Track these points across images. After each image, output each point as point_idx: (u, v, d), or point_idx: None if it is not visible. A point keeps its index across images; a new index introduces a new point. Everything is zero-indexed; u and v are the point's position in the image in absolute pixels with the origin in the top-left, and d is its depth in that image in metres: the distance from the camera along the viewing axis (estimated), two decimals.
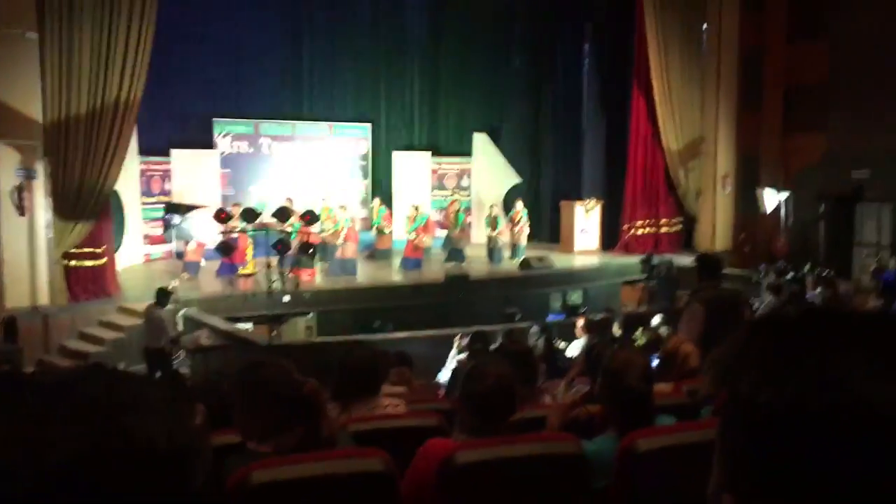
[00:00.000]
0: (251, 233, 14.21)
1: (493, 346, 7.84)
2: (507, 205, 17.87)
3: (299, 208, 14.66)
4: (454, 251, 16.30)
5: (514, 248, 16.71)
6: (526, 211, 16.97)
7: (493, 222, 16.61)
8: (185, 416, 0.76)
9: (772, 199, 17.11)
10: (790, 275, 12.34)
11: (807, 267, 13.65)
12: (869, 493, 0.65)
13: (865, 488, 0.65)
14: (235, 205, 15.13)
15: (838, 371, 0.67)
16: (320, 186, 17.58)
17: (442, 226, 17.91)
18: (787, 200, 17.13)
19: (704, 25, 17.58)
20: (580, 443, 2.80)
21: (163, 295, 10.60)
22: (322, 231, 15.11)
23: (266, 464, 2.57)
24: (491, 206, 17.12)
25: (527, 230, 16.93)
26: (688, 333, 5.61)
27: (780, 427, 0.68)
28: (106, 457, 0.67)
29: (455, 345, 9.49)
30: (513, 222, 16.86)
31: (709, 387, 0.78)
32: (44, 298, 11.77)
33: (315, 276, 14.33)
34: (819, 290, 11.32)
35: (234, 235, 14.02)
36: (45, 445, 0.66)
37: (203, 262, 14.80)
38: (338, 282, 14.52)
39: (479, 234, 17.65)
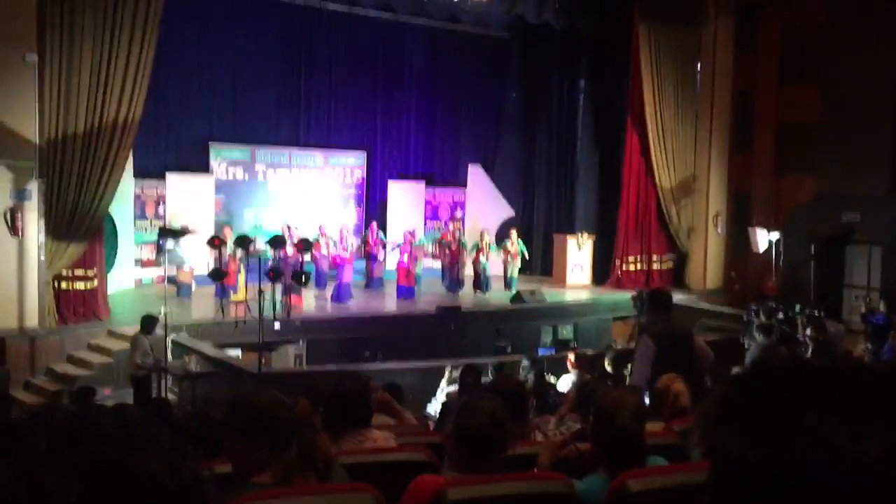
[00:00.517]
0: (242, 259, 14.20)
1: (484, 381, 7.82)
2: (500, 237, 17.91)
3: (297, 235, 14.77)
4: (453, 282, 16.36)
5: (508, 279, 16.71)
6: (521, 241, 17.00)
7: (482, 249, 16.62)
8: (190, 455, 0.77)
9: (763, 238, 17.20)
10: (780, 315, 12.36)
11: (797, 308, 13.69)
12: None
13: None
14: (227, 226, 15.23)
15: (823, 429, 0.68)
16: (315, 214, 17.61)
17: (434, 256, 17.92)
18: (778, 240, 17.22)
19: (699, 65, 17.81)
20: (571, 482, 2.79)
21: (149, 322, 10.45)
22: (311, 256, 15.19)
23: (255, 496, 2.55)
24: (482, 232, 17.15)
25: (518, 262, 16.93)
26: (640, 366, 5.87)
27: (768, 485, 0.68)
28: (114, 496, 0.68)
29: (445, 376, 9.47)
30: (507, 253, 16.85)
31: (699, 443, 0.79)
32: (32, 320, 11.69)
33: (303, 303, 14.33)
34: (809, 331, 11.34)
35: (226, 260, 14.02)
36: (52, 487, 0.67)
37: (194, 286, 14.79)
38: (328, 310, 14.50)
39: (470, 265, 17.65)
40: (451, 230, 17.75)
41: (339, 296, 14.93)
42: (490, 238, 17.17)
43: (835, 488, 0.66)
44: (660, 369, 5.49)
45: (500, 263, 16.93)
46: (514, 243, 16.86)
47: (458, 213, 19.62)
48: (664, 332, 5.96)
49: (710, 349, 6.34)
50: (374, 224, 17.04)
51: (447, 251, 16.86)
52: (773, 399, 0.72)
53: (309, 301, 14.93)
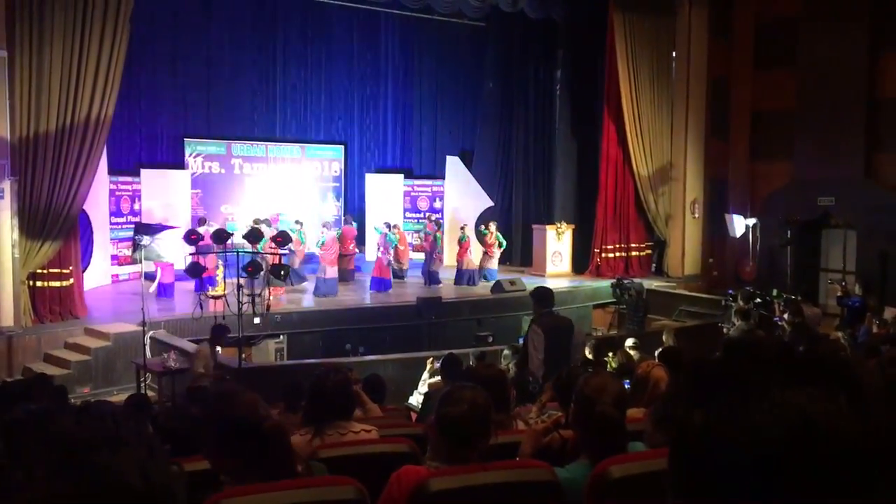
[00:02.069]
0: (221, 253, 14.08)
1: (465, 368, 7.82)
2: (479, 229, 17.91)
3: (274, 229, 14.66)
4: (432, 274, 16.34)
5: (487, 271, 16.70)
6: (500, 234, 17.03)
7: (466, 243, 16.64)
8: (160, 453, 0.75)
9: (740, 224, 17.35)
10: (758, 300, 12.47)
11: (774, 292, 13.82)
12: (810, 489, 0.72)
13: (805, 486, 0.72)
14: (202, 220, 15.13)
15: (755, 385, 0.77)
16: (293, 207, 17.52)
17: (416, 248, 17.89)
18: (754, 226, 17.37)
19: (674, 53, 17.88)
20: (554, 470, 2.79)
21: (220, 331, 9.76)
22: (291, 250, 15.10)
23: (235, 492, 2.52)
24: (462, 228, 17.15)
25: (498, 253, 16.98)
26: (534, 353, 6.77)
27: (718, 442, 0.77)
28: (79, 497, 0.66)
29: (427, 368, 9.46)
30: (486, 244, 16.87)
31: (651, 427, 0.93)
32: (8, 320, 11.53)
33: (280, 296, 14.30)
34: (786, 315, 11.45)
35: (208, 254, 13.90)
36: (12, 488, 0.64)
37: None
38: (309, 303, 14.44)
39: (450, 257, 17.65)
40: (433, 221, 17.68)
41: (329, 288, 14.89)
42: (470, 231, 17.14)
43: (771, 431, 0.74)
44: (548, 355, 6.48)
45: (481, 256, 16.94)
46: (493, 234, 16.88)
47: (438, 205, 19.60)
48: (550, 322, 6.91)
49: (581, 332, 7.54)
50: (350, 217, 17.11)
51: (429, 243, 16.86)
52: (709, 371, 0.83)
53: (294, 296, 14.87)
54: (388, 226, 16.44)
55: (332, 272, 15.08)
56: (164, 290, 14.43)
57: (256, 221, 15.07)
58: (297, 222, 16.07)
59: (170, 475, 0.74)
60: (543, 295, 7.33)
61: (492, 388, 3.70)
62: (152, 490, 0.70)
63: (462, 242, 16.67)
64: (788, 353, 0.82)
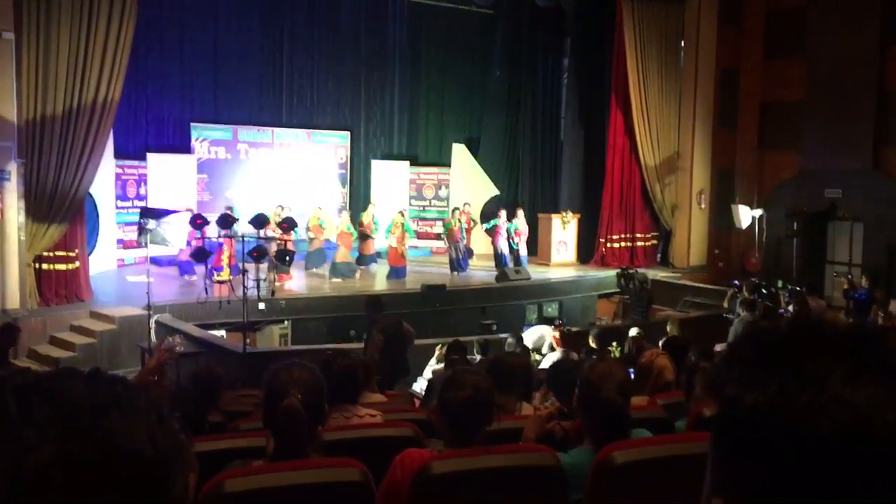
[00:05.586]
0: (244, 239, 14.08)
1: (470, 358, 7.87)
2: (484, 217, 17.85)
3: (281, 215, 14.66)
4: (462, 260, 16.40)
5: (519, 257, 16.53)
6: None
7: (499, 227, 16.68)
8: (169, 421, 0.75)
9: (746, 215, 17.29)
10: (763, 291, 12.45)
11: (779, 283, 13.79)
12: (854, 492, 0.68)
13: (849, 488, 0.68)
14: (228, 209, 15.09)
15: (816, 374, 0.72)
16: (299, 193, 17.52)
17: (420, 236, 17.88)
18: (761, 217, 17.32)
19: (682, 43, 17.78)
20: (557, 455, 2.80)
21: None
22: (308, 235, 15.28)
23: (239, 472, 2.54)
24: (500, 212, 16.99)
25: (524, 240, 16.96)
26: (373, 356, 7.72)
27: (765, 429, 0.72)
28: (86, 460, 0.66)
29: (435, 354, 9.47)
30: (518, 233, 16.69)
31: (700, 393, 0.86)
32: (14, 302, 11.57)
33: (287, 281, 14.39)
34: (791, 306, 11.43)
35: (218, 241, 13.90)
36: (24, 448, 0.65)
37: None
38: (313, 290, 14.48)
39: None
40: (464, 210, 17.56)
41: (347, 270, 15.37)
42: (503, 217, 16.88)
43: (823, 431, 0.69)
44: (388, 353, 7.84)
45: (506, 244, 16.83)
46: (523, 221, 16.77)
47: (443, 193, 19.56)
48: (387, 325, 8.21)
49: (412, 329, 8.76)
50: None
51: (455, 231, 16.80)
52: (771, 350, 0.77)
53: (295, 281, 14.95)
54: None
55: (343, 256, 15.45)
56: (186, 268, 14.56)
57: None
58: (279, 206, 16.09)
59: (178, 443, 0.74)
60: (377, 303, 8.89)
61: (517, 376, 3.78)
62: (160, 456, 0.70)
63: (495, 227, 16.56)
64: (858, 343, 0.75)
